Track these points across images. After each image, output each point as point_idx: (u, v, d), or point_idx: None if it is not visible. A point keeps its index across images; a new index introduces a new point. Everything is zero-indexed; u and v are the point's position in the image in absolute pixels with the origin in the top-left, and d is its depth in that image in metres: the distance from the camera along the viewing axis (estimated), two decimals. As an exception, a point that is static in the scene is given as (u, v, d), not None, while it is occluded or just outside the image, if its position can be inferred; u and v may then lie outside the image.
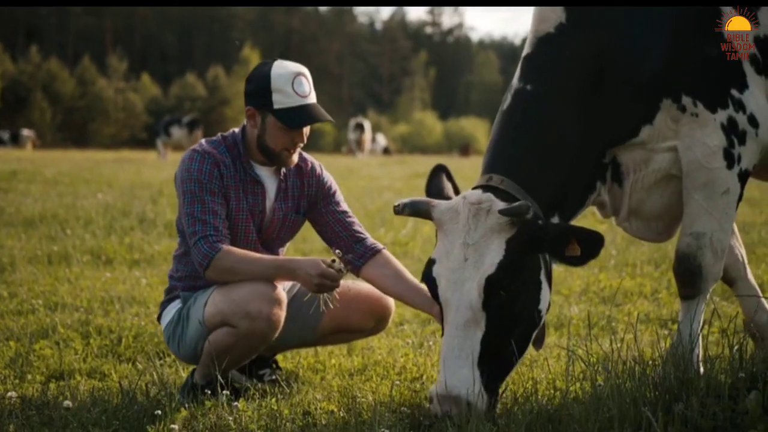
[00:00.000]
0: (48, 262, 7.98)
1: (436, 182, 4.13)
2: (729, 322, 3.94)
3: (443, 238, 3.88)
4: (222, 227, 4.21)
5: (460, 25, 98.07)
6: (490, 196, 3.84)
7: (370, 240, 4.48)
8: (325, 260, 4.07)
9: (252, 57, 61.34)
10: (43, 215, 10.90)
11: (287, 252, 4.71)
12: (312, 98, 4.27)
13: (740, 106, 4.03)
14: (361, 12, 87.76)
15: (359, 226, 4.52)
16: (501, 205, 3.78)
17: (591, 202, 4.22)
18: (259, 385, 4.46)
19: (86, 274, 7.48)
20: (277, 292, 4.15)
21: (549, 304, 3.99)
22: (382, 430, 3.52)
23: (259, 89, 4.24)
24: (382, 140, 42.87)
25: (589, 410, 3.49)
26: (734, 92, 4.03)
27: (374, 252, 4.43)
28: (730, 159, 4.05)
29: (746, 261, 4.67)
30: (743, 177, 4.10)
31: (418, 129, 62.72)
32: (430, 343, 5.35)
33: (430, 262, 3.87)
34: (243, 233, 4.35)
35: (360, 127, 36.95)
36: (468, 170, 17.76)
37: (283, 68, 4.23)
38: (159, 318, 4.53)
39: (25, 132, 44.19)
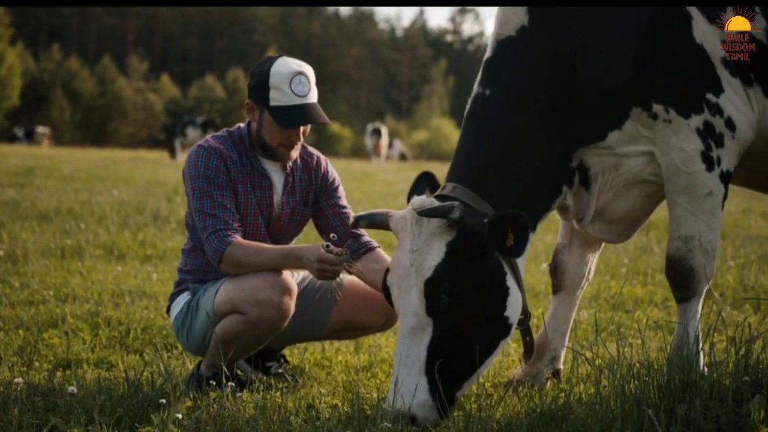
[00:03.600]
0: (61, 255, 8.02)
1: (418, 190, 4.05)
2: (736, 328, 3.93)
3: (398, 246, 3.88)
4: (232, 220, 4.24)
5: (480, 34, 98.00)
6: (432, 200, 3.83)
7: (366, 237, 4.51)
8: (322, 244, 4.07)
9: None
10: (58, 210, 10.97)
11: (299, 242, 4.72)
12: (311, 98, 4.27)
13: (717, 110, 4.01)
14: (382, 18, 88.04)
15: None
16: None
17: (556, 206, 4.19)
18: (265, 378, 4.48)
19: (98, 267, 7.51)
20: (287, 281, 4.17)
21: (526, 312, 3.93)
22: (385, 424, 3.52)
23: (258, 84, 4.28)
24: (399, 146, 42.86)
25: (592, 410, 3.49)
26: (710, 96, 4.00)
27: (368, 249, 4.46)
28: (709, 162, 4.03)
29: (587, 280, 4.63)
30: (725, 178, 4.08)
31: (435, 136, 62.66)
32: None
33: (386, 272, 3.89)
34: (252, 227, 4.38)
35: (377, 133, 36.93)
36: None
37: (283, 66, 4.25)
38: (168, 310, 4.55)
39: (40, 129, 44.42)
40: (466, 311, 3.73)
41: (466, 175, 3.94)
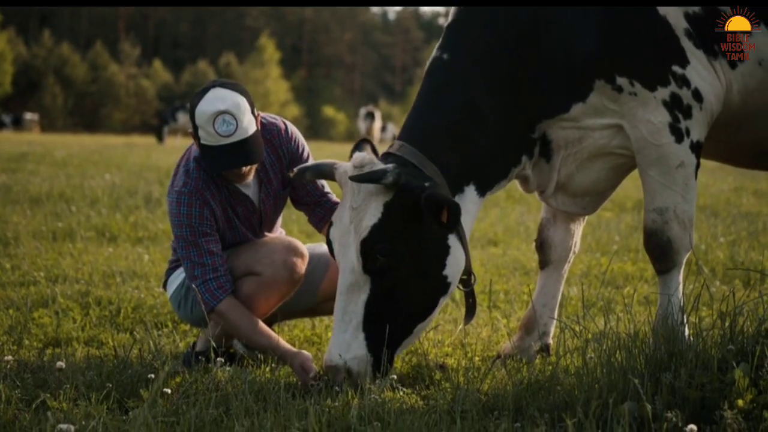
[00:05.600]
0: (52, 237, 8.03)
1: (359, 149, 4.06)
2: (721, 301, 3.94)
3: (342, 200, 3.95)
4: (220, 265, 4.22)
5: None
6: (372, 158, 3.87)
7: (333, 200, 4.52)
8: (313, 373, 3.96)
9: (268, 45, 61.29)
10: (49, 194, 10.98)
11: (284, 226, 4.71)
12: (239, 135, 4.06)
13: (683, 82, 3.99)
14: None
15: (323, 188, 4.54)
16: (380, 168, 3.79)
17: (514, 176, 4.20)
18: (256, 353, 4.49)
19: (89, 249, 7.52)
20: (300, 247, 4.31)
21: (469, 272, 3.98)
22: (373, 397, 3.54)
23: (191, 119, 4.16)
24: (392, 129, 42.86)
25: (579, 380, 3.51)
26: (676, 68, 3.99)
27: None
28: (678, 134, 4.02)
29: (573, 253, 4.64)
30: (696, 148, 4.07)
31: (429, 119, 62.45)
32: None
33: (329, 224, 3.94)
34: (242, 240, 4.42)
35: (370, 116, 36.93)
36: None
37: (207, 105, 4.06)
38: (165, 285, 4.55)
39: (29, 115, 44.34)
40: (403, 270, 3.80)
41: (415, 135, 3.98)
